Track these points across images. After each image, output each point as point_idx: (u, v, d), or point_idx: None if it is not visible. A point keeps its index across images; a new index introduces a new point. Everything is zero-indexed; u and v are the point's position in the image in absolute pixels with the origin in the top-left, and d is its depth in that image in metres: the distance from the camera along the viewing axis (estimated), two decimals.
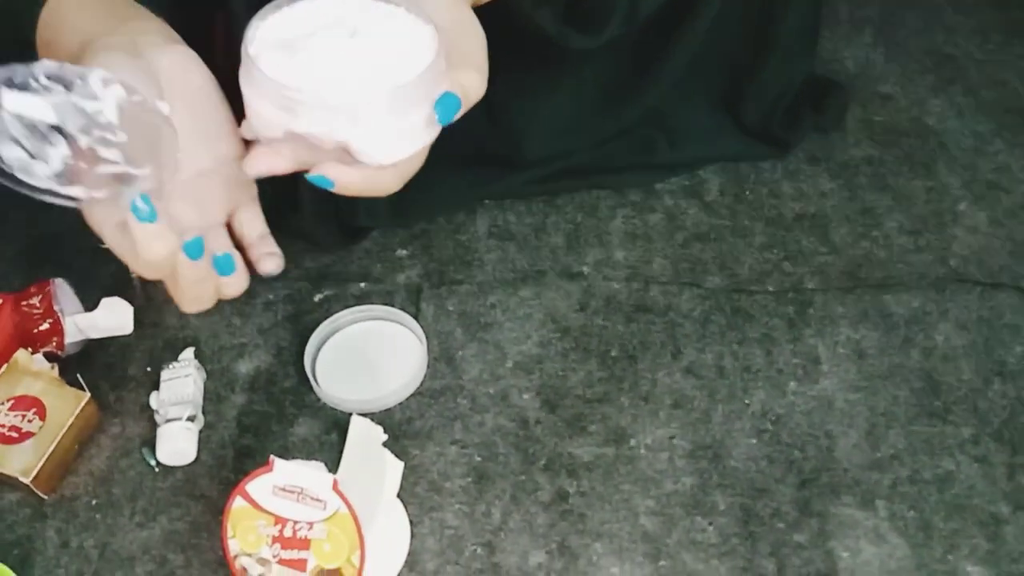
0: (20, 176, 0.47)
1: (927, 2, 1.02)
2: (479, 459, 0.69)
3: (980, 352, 0.74)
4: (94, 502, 0.67)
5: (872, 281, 0.78)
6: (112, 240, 0.50)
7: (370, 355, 0.74)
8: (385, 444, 0.68)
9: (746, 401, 0.71)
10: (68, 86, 0.48)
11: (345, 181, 0.49)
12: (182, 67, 0.53)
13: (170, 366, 0.71)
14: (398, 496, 0.66)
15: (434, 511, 0.66)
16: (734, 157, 0.87)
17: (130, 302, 0.74)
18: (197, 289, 0.52)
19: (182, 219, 0.51)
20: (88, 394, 0.68)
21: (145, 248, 0.48)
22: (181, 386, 0.70)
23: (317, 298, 0.78)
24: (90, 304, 0.73)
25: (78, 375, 0.70)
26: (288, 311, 0.77)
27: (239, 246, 0.56)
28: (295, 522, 0.57)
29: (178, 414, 0.68)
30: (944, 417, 0.70)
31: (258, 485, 0.57)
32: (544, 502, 0.67)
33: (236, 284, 0.54)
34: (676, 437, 0.70)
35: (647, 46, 0.80)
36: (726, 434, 0.70)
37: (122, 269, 0.77)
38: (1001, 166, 0.87)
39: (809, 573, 0.63)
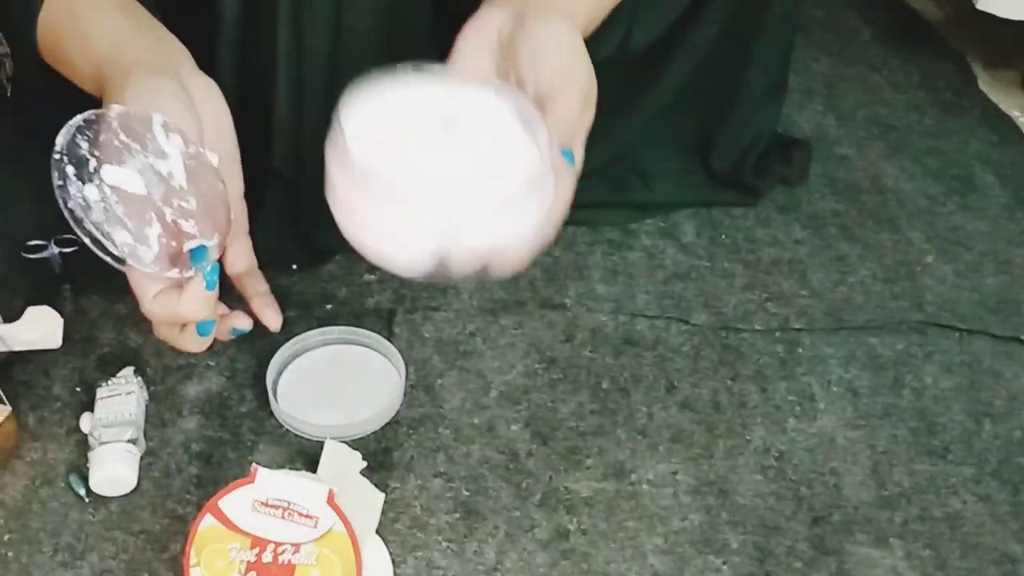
0: (131, 262, 0.46)
1: (866, 79, 1.07)
2: (467, 493, 0.61)
3: (967, 394, 0.73)
4: (7, 537, 0.55)
5: (856, 324, 0.77)
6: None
7: (340, 379, 0.66)
8: (362, 474, 0.60)
9: (747, 437, 0.67)
10: (140, 141, 0.44)
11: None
12: (209, 96, 0.52)
13: (108, 383, 0.61)
14: (376, 532, 0.58)
15: (418, 549, 0.58)
16: (706, 202, 0.86)
17: (59, 313, 0.64)
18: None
19: None
20: (8, 407, 0.57)
21: (190, 311, 0.49)
22: (121, 405, 0.60)
23: None
24: (11, 313, 0.63)
25: None
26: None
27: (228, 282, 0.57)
28: (277, 544, 0.48)
29: (117, 436, 0.58)
30: (944, 456, 0.68)
31: (235, 499, 0.48)
32: (542, 540, 0.60)
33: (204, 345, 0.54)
34: (679, 472, 0.64)
35: (625, 87, 0.79)
36: (730, 470, 0.65)
37: (50, 275, 0.69)
38: (957, 225, 0.89)
39: None
